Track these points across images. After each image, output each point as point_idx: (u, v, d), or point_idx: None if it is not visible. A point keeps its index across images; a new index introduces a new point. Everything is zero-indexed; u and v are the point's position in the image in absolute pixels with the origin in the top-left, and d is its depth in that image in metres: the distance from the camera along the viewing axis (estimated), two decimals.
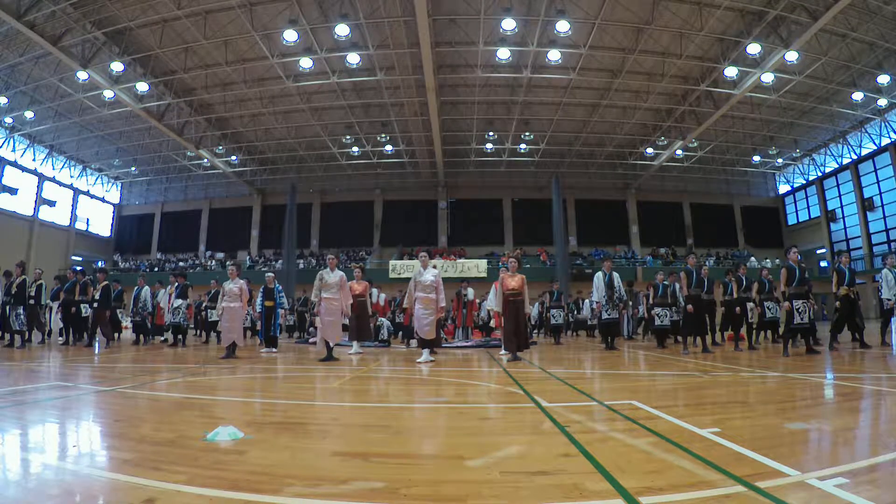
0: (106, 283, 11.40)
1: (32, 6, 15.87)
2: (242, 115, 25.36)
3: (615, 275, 10.04)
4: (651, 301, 10.78)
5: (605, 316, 9.60)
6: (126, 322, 15.77)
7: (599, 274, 10.09)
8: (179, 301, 11.33)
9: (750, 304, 9.96)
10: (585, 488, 1.84)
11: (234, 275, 8.81)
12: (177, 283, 11.57)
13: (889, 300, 8.97)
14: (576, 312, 17.34)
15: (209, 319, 12.96)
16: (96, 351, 9.73)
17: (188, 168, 31.84)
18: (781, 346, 7.86)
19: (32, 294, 11.36)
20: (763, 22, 17.28)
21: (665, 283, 10.52)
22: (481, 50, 19.13)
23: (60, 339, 12.14)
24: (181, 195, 35.05)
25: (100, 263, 33.24)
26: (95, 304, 10.98)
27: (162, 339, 12.78)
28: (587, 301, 16.08)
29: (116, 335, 13.55)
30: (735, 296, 9.85)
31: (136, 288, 12.55)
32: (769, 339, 11.09)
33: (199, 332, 15.33)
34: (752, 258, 30.00)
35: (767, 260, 28.86)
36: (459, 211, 32.77)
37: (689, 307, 8.61)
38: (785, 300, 7.74)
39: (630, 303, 13.64)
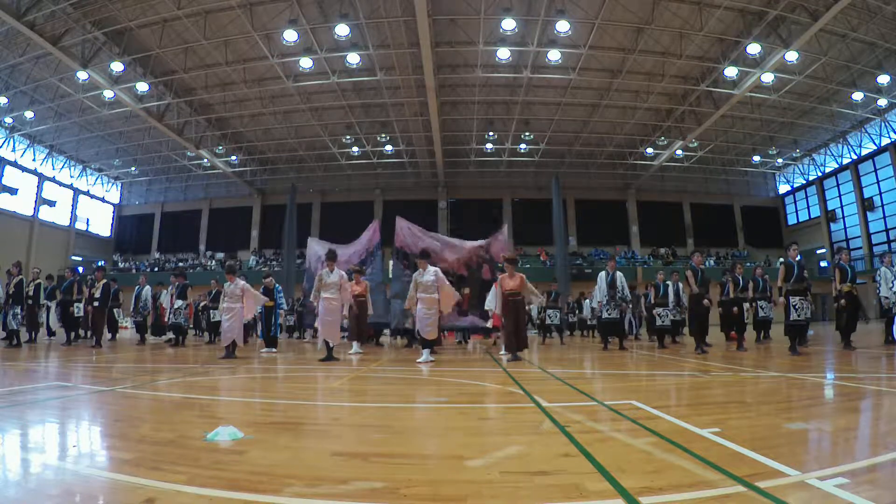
0: (105, 281, 11.35)
1: (32, 6, 15.87)
2: (242, 115, 25.38)
3: (619, 274, 9.91)
4: (652, 301, 10.75)
5: (604, 315, 9.54)
6: (125, 322, 15.77)
7: (602, 274, 10.01)
8: (179, 301, 11.34)
9: (746, 305, 9.94)
10: (585, 488, 1.83)
11: (232, 278, 8.70)
12: (177, 283, 11.58)
13: (887, 298, 8.93)
14: (577, 312, 17.35)
15: (212, 320, 12.94)
16: (104, 349, 9.73)
17: (188, 168, 31.85)
18: (788, 345, 7.83)
19: (31, 294, 11.35)
20: (763, 22, 17.29)
21: (667, 282, 10.51)
22: (481, 50, 19.14)
23: (52, 337, 12.14)
24: (181, 195, 35.06)
25: (100, 263, 33.24)
26: (96, 303, 10.93)
27: (165, 338, 12.78)
28: (587, 301, 16.07)
29: (112, 334, 13.55)
30: (731, 296, 9.83)
31: (136, 287, 12.53)
32: (762, 337, 11.04)
33: (198, 332, 15.32)
34: (781, 260, 29.68)
35: (774, 260, 28.76)
36: (459, 211, 32.78)
37: (707, 302, 8.63)
38: (781, 296, 7.72)
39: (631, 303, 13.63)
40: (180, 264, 32.33)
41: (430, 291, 7.69)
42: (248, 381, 5.59)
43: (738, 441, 2.42)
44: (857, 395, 4.13)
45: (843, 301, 8.35)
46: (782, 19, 17.00)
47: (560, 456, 2.27)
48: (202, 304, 13.92)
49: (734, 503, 1.68)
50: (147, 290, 12.54)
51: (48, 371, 6.28)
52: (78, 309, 11.38)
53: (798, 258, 8.00)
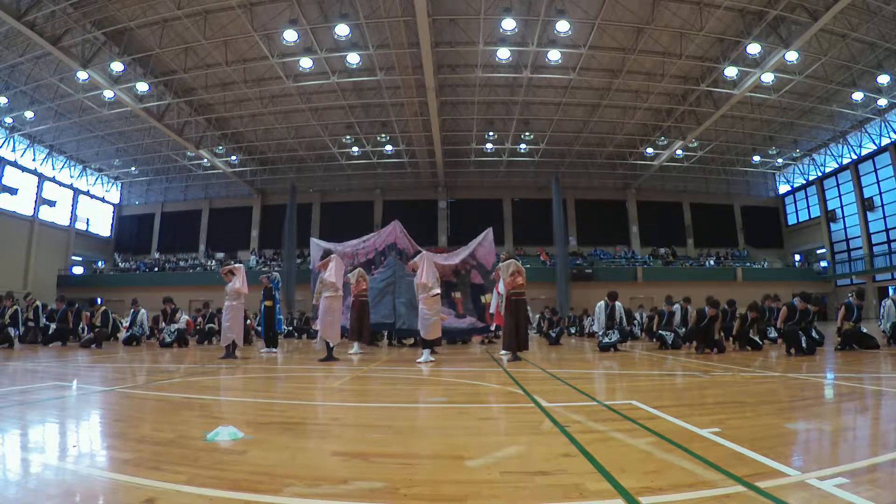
0: (104, 309, 11.63)
1: (32, 6, 15.87)
2: (242, 115, 25.37)
3: (618, 305, 10.07)
4: (656, 327, 10.89)
5: (605, 341, 9.61)
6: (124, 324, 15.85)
7: (601, 304, 10.12)
8: (174, 326, 11.37)
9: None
10: (585, 488, 1.84)
11: (230, 277, 8.69)
12: (168, 309, 11.76)
13: (884, 332, 8.98)
14: (577, 324, 17.64)
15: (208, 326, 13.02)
16: (104, 350, 9.73)
17: (188, 168, 31.85)
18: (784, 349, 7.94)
19: (31, 318, 11.56)
20: (763, 22, 17.29)
21: (674, 310, 10.72)
22: (481, 50, 19.13)
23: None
24: (181, 195, 35.05)
25: (100, 263, 33.27)
26: (96, 330, 11.08)
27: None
28: (588, 318, 16.23)
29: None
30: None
31: (132, 312, 12.33)
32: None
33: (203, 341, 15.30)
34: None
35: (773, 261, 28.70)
36: (459, 211, 32.78)
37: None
38: (780, 335, 8.52)
39: (630, 329, 13.81)
40: (181, 264, 32.35)
41: (431, 292, 7.69)
42: (248, 381, 5.59)
43: (738, 441, 2.42)
44: (857, 395, 4.14)
45: (839, 340, 8.54)
46: (782, 19, 17.00)
47: (560, 456, 2.27)
48: (198, 320, 13.90)
49: (734, 503, 1.69)
50: (143, 313, 12.44)
51: (48, 371, 6.28)
52: (83, 330, 11.71)
53: (800, 301, 8.25)
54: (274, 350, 9.70)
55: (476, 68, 20.44)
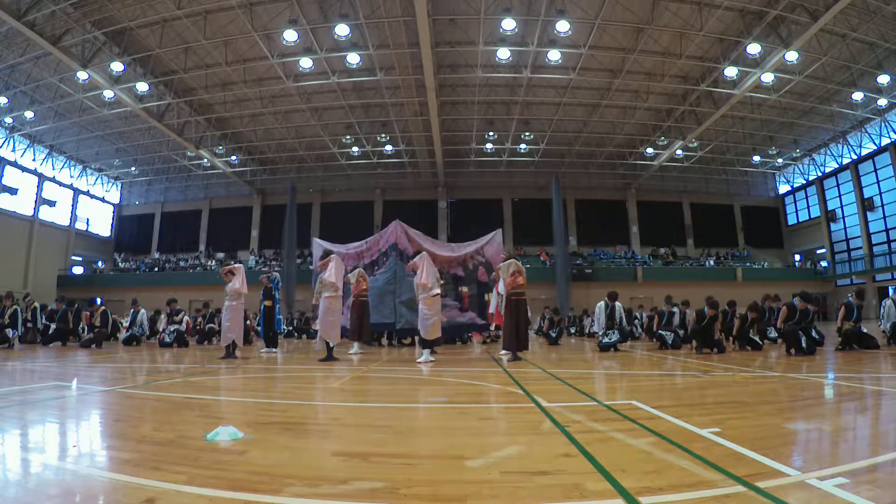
0: (104, 309, 11.67)
1: (32, 6, 15.87)
2: (242, 115, 25.37)
3: (618, 305, 10.09)
4: (656, 328, 10.92)
5: (605, 341, 9.63)
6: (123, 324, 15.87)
7: (601, 304, 10.15)
8: (174, 326, 11.40)
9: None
10: (585, 488, 1.84)
11: (230, 277, 8.69)
12: (169, 310, 11.80)
13: (884, 332, 8.98)
14: (578, 323, 17.67)
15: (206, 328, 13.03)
16: (104, 350, 9.73)
17: (188, 168, 31.85)
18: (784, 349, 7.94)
19: (29, 318, 11.59)
20: (763, 22, 17.29)
21: (673, 310, 10.73)
22: (481, 50, 19.13)
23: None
24: (181, 195, 35.05)
25: (100, 263, 33.26)
26: (96, 330, 11.11)
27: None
28: (588, 319, 16.27)
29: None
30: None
31: (132, 312, 12.30)
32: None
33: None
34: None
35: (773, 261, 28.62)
36: (459, 211, 32.78)
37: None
38: (780, 335, 8.62)
39: (630, 329, 13.83)
40: (181, 264, 32.35)
41: (431, 292, 7.69)
42: (248, 381, 5.59)
43: (738, 441, 2.42)
44: (857, 395, 4.14)
45: (839, 339, 8.55)
46: (782, 19, 16.99)
47: (560, 456, 2.27)
48: (198, 320, 13.90)
49: (734, 503, 1.69)
50: (143, 313, 12.44)
51: (48, 371, 6.28)
52: (83, 330, 11.76)
53: (801, 302, 8.29)
54: (274, 350, 9.70)
55: (476, 68, 20.44)
